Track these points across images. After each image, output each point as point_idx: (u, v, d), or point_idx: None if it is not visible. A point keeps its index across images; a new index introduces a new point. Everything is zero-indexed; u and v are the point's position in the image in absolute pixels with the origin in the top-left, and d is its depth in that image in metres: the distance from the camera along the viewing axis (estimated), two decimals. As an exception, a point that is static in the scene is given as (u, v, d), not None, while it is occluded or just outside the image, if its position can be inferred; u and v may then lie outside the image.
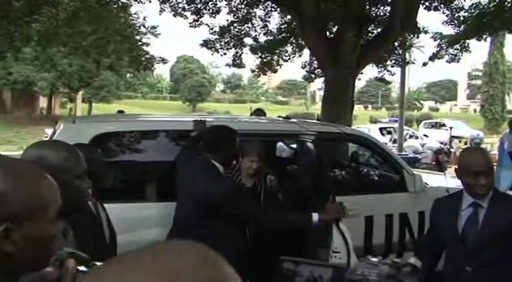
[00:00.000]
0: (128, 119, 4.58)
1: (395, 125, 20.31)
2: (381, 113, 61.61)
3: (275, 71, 14.40)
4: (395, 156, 5.37)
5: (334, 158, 5.67)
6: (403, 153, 15.40)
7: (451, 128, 21.37)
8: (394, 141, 19.01)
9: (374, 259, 1.98)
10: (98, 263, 1.52)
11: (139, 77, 55.41)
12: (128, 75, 41.11)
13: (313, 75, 13.78)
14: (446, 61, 13.22)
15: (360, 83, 65.61)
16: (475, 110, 64.43)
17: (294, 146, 5.01)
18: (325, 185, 3.96)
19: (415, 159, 13.29)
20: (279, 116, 5.41)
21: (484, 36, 12.21)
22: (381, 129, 23.79)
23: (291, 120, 5.43)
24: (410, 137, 21.22)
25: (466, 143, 22.93)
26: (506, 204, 2.69)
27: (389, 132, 22.77)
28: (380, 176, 5.56)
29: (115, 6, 12.24)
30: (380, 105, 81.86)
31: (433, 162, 15.28)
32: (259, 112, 6.24)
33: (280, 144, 5.75)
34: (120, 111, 15.70)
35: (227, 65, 13.64)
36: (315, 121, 6.86)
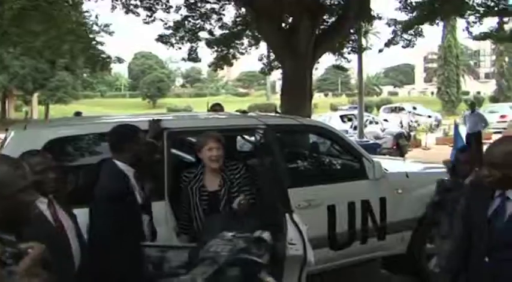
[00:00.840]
0: (82, 123, 4.47)
1: (356, 112, 20.55)
2: (341, 100, 62.25)
3: (231, 65, 14.32)
4: (354, 145, 5.43)
5: (294, 149, 5.69)
6: (364, 139, 15.59)
7: (409, 112, 21.77)
8: (355, 128, 19.22)
9: (229, 234, 1.98)
10: (23, 245, 1.57)
11: (97, 76, 54.48)
12: (85, 74, 40.30)
13: (270, 68, 13.79)
14: (402, 46, 13.43)
15: (319, 71, 66.06)
16: (432, 93, 65.83)
17: (253, 140, 4.99)
18: (279, 178, 3.93)
19: (376, 146, 13.46)
20: (237, 111, 5.38)
21: (436, 21, 12.43)
22: (341, 117, 24.04)
23: (249, 114, 5.43)
24: (371, 123, 21.50)
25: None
26: None
27: (349, 119, 23.01)
28: (340, 165, 5.61)
29: (66, 4, 11.91)
30: (340, 92, 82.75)
31: (394, 147, 15.53)
32: (216, 107, 6.15)
33: (239, 138, 5.73)
34: (78, 113, 15.35)
35: (183, 59, 13.56)
36: (273, 114, 6.85)
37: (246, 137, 5.55)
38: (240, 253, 1.90)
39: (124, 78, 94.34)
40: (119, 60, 14.93)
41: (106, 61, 14.24)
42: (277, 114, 6.27)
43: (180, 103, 58.70)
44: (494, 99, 50.72)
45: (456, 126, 7.93)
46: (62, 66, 28.27)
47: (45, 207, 2.87)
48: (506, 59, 54.74)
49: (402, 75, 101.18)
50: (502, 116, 26.82)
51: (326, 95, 78.87)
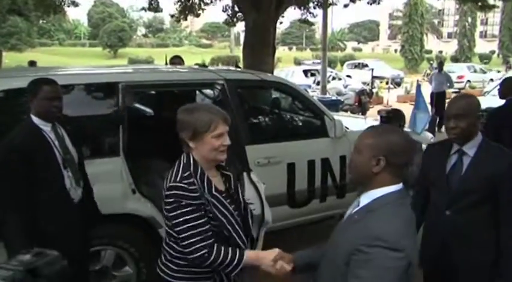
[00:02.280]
0: (29, 74, 4.20)
1: (319, 67, 20.51)
2: (305, 54, 62.02)
3: (197, 15, 13.84)
4: (316, 102, 5.36)
5: (254, 106, 5.58)
6: (327, 96, 15.60)
7: (372, 69, 21.83)
8: (318, 83, 19.20)
9: (28, 255, 1.58)
10: None
11: (54, 23, 52.27)
12: (41, 21, 38.61)
13: (234, 19, 13.44)
14: (367, 3, 13.26)
15: (283, 25, 65.47)
16: (395, 50, 66.23)
17: (213, 95, 4.85)
18: (237, 135, 3.83)
19: (338, 102, 13.49)
20: (196, 64, 5.21)
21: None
22: (305, 72, 23.91)
23: (209, 68, 5.26)
24: (334, 78, 21.49)
25: (387, 83, 23.63)
26: (492, 155, 2.72)
27: (313, 74, 22.94)
28: (301, 122, 5.55)
29: None
30: (304, 47, 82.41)
31: (356, 104, 15.61)
32: (175, 60, 5.95)
33: (198, 93, 5.58)
34: (32, 63, 14.70)
35: (143, 9, 12.99)
36: (233, 69, 6.69)
37: (204, 91, 5.42)
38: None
39: (83, 27, 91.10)
40: (73, 3, 14.19)
41: (58, 5, 13.52)
42: (238, 69, 6.10)
43: (142, 53, 57.21)
44: (455, 59, 51.51)
45: (418, 86, 7.97)
46: (10, 10, 26.57)
47: None
48: (469, 19, 55.37)
49: (367, 31, 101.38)
50: (460, 77, 27.36)
51: (290, 49, 78.36)
